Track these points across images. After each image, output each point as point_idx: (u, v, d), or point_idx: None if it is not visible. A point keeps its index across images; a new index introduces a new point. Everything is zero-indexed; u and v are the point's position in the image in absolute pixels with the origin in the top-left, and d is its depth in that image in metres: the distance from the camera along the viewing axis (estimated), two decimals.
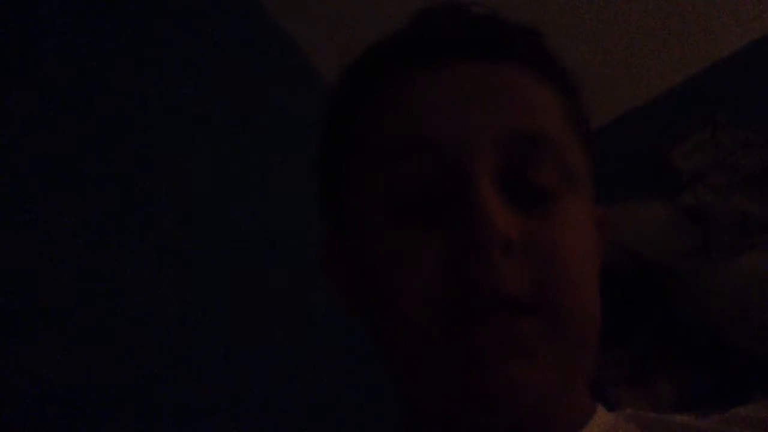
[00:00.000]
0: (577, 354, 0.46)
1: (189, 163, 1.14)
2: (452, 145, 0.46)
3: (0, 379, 0.80)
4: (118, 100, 1.09)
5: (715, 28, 1.46)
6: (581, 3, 1.45)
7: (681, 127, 1.46)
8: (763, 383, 1.17)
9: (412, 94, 0.49)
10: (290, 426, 1.02)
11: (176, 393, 0.94)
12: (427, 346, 0.45)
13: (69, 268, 0.92)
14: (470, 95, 0.48)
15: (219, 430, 0.96)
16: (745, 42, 1.48)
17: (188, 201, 1.11)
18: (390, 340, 0.48)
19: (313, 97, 1.45)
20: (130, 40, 1.15)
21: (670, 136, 1.47)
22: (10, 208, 0.89)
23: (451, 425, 0.47)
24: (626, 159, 1.50)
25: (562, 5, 1.45)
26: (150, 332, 0.95)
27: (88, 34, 1.08)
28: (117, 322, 0.93)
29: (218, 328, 1.03)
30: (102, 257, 0.96)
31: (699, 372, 1.25)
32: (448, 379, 0.44)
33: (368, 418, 1.08)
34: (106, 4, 1.14)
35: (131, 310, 0.95)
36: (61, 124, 0.99)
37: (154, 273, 1.00)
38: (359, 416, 1.10)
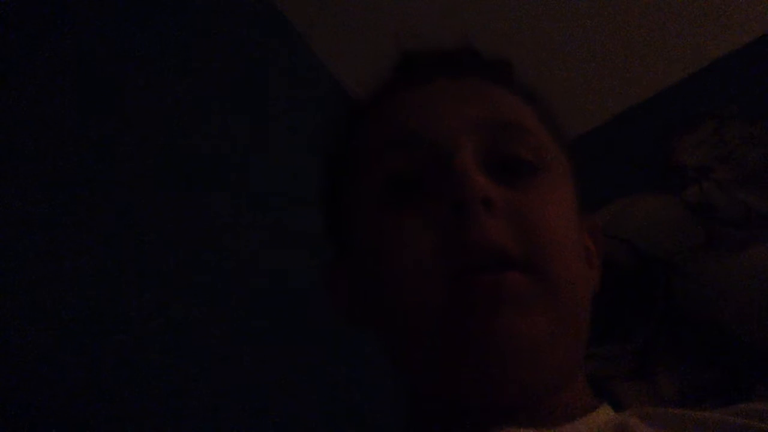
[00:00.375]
0: (565, 318, 0.49)
1: (190, 163, 1.14)
2: (435, 133, 0.52)
3: None
4: (126, 103, 1.10)
5: (722, 23, 1.45)
6: None
7: (686, 122, 1.46)
8: (765, 378, 1.17)
9: (400, 104, 0.56)
10: (290, 427, 1.03)
11: (176, 393, 0.94)
12: (428, 311, 0.48)
13: (69, 268, 0.92)
14: (449, 98, 0.55)
15: (219, 430, 0.97)
16: (752, 37, 1.47)
17: (189, 201, 1.11)
18: (394, 318, 0.51)
19: (320, 92, 1.45)
20: (136, 40, 1.15)
21: (675, 131, 1.46)
22: (10, 208, 0.89)
23: (453, 409, 0.49)
24: (631, 153, 1.50)
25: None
26: (150, 333, 0.95)
27: (89, 32, 1.08)
28: (116, 322, 0.93)
29: (218, 329, 1.04)
30: (102, 257, 0.96)
31: (701, 367, 1.25)
32: (448, 341, 0.47)
33: (368, 419, 1.08)
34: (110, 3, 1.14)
35: (131, 311, 0.95)
36: (61, 123, 0.99)
37: (154, 273, 1.00)
38: (359, 418, 1.10)
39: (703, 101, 1.46)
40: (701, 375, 1.24)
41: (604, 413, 0.52)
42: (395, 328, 0.51)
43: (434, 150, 0.52)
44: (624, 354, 1.30)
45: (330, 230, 0.62)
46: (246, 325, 1.07)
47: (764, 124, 1.38)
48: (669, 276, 1.33)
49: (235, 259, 1.12)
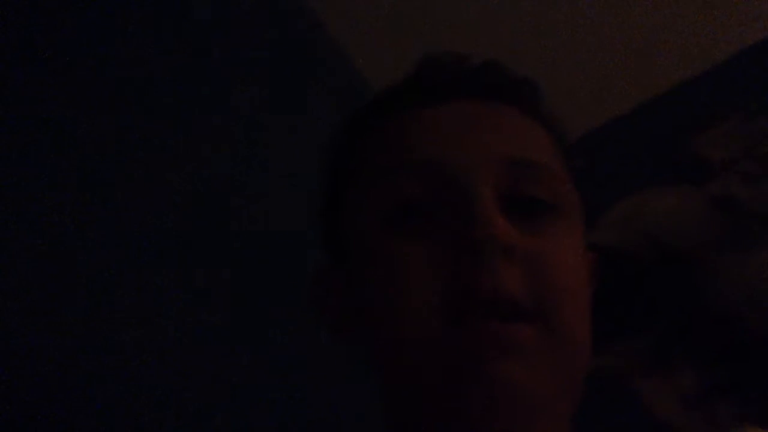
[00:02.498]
0: (568, 371, 0.47)
1: (192, 164, 1.13)
2: (454, 164, 0.50)
3: None
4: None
5: (748, 13, 1.43)
6: None
7: (711, 115, 1.44)
8: None
9: (417, 123, 0.53)
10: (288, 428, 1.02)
11: (175, 395, 0.94)
12: (427, 350, 0.46)
13: (68, 268, 0.92)
14: (470, 125, 0.52)
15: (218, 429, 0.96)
16: None
17: (191, 202, 1.10)
18: (390, 351, 0.49)
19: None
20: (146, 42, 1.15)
21: (700, 123, 1.44)
22: (11, 206, 0.89)
23: None
24: (652, 146, 1.48)
25: None
26: (148, 333, 0.95)
27: (96, 34, 1.08)
28: (115, 323, 0.93)
29: (218, 332, 1.03)
30: (102, 257, 0.96)
31: (721, 363, 1.23)
32: (447, 379, 0.45)
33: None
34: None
35: (131, 311, 0.95)
36: (68, 124, 0.99)
37: (154, 273, 1.00)
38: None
39: (726, 94, 1.44)
40: (720, 371, 1.23)
41: None
42: (389, 358, 0.49)
43: (452, 182, 0.49)
44: (643, 349, 1.29)
45: (326, 237, 0.59)
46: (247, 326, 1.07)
47: None
48: (690, 270, 1.32)
49: (243, 261, 1.11)
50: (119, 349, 0.91)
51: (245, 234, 1.14)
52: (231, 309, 1.06)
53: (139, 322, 0.94)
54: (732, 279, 1.28)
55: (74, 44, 1.04)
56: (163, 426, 0.91)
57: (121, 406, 0.88)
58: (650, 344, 1.29)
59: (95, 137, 1.02)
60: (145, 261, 0.99)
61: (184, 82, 1.17)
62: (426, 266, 0.47)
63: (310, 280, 0.59)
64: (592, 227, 0.58)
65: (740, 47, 1.44)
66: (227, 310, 1.05)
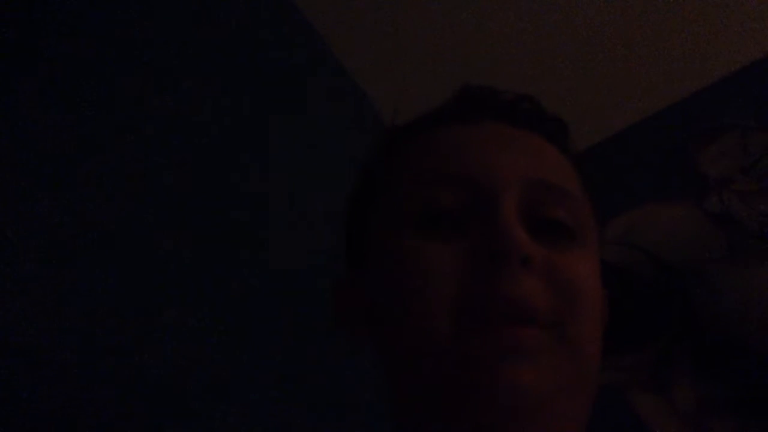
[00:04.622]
0: (579, 379, 0.48)
1: (191, 164, 1.14)
2: (485, 180, 0.52)
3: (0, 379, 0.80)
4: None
5: (747, 31, 1.44)
6: (607, 3, 1.44)
7: (709, 131, 1.45)
8: None
9: (453, 138, 0.56)
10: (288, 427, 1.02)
11: (174, 394, 0.94)
12: (439, 349, 0.47)
13: (68, 268, 0.92)
14: (503, 145, 0.55)
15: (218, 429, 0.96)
16: None
17: (190, 201, 1.10)
18: (403, 347, 0.50)
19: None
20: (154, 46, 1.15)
21: (698, 140, 1.45)
22: (10, 206, 0.89)
23: None
24: (652, 162, 1.49)
25: (589, 6, 1.44)
26: (148, 334, 0.95)
27: (92, 31, 1.08)
28: (116, 324, 0.93)
29: (217, 332, 1.03)
30: (102, 258, 0.96)
31: (718, 380, 1.23)
32: (457, 380, 0.46)
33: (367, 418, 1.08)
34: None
35: (131, 312, 0.95)
36: (61, 123, 0.99)
37: (154, 274, 1.00)
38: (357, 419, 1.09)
39: (727, 110, 1.45)
40: (718, 388, 1.23)
41: None
42: (401, 355, 0.51)
43: (481, 195, 0.52)
44: (640, 365, 1.29)
45: (349, 244, 0.62)
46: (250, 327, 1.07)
47: None
48: (688, 287, 1.32)
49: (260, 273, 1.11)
50: (119, 348, 0.91)
51: (245, 235, 1.14)
52: (230, 310, 1.06)
53: (139, 322, 0.95)
54: (729, 294, 1.28)
55: (74, 44, 1.04)
56: (162, 426, 0.91)
57: (121, 406, 0.89)
58: (648, 359, 1.29)
59: (93, 138, 1.02)
60: (143, 262, 0.99)
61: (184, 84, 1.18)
62: (447, 268, 0.49)
63: (330, 285, 0.61)
64: None
65: (742, 64, 1.45)
66: (226, 312, 1.05)
